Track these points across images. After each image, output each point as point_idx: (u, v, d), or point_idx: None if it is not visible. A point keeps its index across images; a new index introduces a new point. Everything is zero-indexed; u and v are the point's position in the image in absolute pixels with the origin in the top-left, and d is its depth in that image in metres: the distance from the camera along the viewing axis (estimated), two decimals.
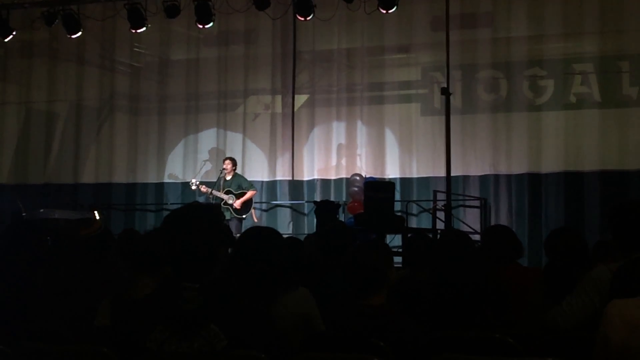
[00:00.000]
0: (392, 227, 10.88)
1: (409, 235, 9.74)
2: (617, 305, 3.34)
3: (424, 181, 14.10)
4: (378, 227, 10.53)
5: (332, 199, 13.41)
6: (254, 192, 13.70)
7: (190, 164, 15.46)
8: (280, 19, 14.42)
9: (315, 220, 10.57)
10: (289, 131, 15.03)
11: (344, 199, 14.15)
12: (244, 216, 13.43)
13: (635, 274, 3.96)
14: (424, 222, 13.50)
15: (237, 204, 13.32)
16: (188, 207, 3.46)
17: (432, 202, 12.94)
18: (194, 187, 13.71)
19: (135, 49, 16.01)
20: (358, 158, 14.64)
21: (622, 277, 4.07)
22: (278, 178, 15.02)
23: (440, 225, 11.89)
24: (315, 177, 14.79)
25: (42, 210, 12.92)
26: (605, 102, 13.41)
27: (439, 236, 10.55)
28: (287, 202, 14.95)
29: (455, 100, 13.33)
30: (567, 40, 13.77)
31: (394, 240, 11.88)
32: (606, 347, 3.26)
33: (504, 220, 13.13)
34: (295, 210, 14.94)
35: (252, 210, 13.66)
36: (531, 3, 13.80)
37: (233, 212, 13.27)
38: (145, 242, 4.80)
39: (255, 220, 13.69)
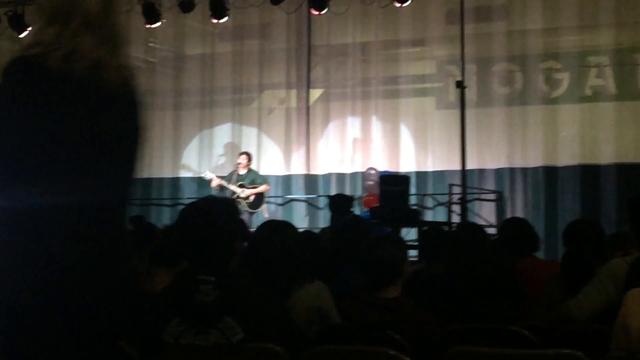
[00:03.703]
0: (408, 220, 10.87)
1: (424, 228, 9.74)
2: (636, 293, 3.34)
3: (439, 175, 14.08)
4: (393, 221, 10.52)
5: (347, 193, 13.40)
6: (267, 187, 13.72)
7: (206, 158, 15.50)
8: (294, 13, 14.41)
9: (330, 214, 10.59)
10: (304, 125, 15.04)
11: (359, 193, 14.15)
12: (255, 210, 13.45)
13: None
14: (440, 215, 13.48)
15: (246, 193, 13.33)
16: (204, 201, 3.48)
17: (447, 196, 12.91)
18: (207, 178, 13.74)
19: (150, 44, 16.03)
20: (373, 152, 14.64)
21: (639, 268, 4.06)
22: (293, 172, 15.03)
23: (455, 218, 11.87)
24: (331, 171, 14.80)
25: None
26: (621, 94, 13.35)
27: (454, 229, 10.53)
28: (303, 197, 14.95)
29: (471, 94, 13.27)
30: (582, 33, 13.70)
31: (410, 234, 11.87)
32: (625, 335, 3.25)
33: (519, 214, 13.07)
34: (311, 205, 14.94)
35: (264, 206, 13.67)
36: None
37: (245, 206, 13.29)
38: (161, 236, 4.82)
39: (266, 215, 13.68)
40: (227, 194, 13.23)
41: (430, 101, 14.57)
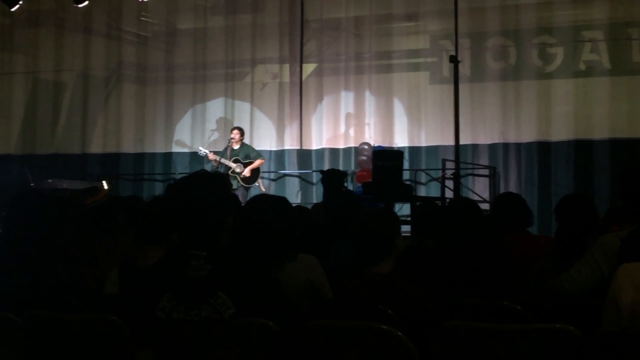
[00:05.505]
0: (401, 195, 10.84)
1: (417, 203, 9.73)
2: (627, 268, 3.34)
3: (432, 150, 14.06)
4: (386, 196, 10.50)
5: (340, 168, 13.39)
6: (262, 160, 13.70)
7: (198, 133, 15.44)
8: None
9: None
10: (297, 100, 14.98)
11: (352, 168, 14.14)
12: (251, 185, 13.44)
13: None
14: (433, 191, 13.49)
15: (247, 171, 13.32)
16: (195, 175, 3.45)
17: (440, 171, 12.90)
18: (202, 154, 13.72)
19: (142, 18, 15.93)
20: (366, 127, 14.60)
21: (631, 243, 4.05)
22: (286, 147, 14.99)
23: (449, 194, 11.86)
24: (324, 146, 14.76)
25: (50, 180, 12.93)
26: (615, 69, 13.32)
27: (447, 205, 10.51)
28: (296, 172, 14.93)
29: (464, 69, 13.25)
30: (576, 7, 13.65)
31: (403, 209, 11.87)
32: (616, 310, 3.26)
33: (513, 189, 13.07)
34: (304, 180, 14.92)
35: (260, 180, 13.67)
36: None
37: (240, 181, 13.28)
38: (152, 211, 4.80)
39: (263, 189, 13.69)
40: (222, 170, 13.20)
41: (423, 76, 14.52)
